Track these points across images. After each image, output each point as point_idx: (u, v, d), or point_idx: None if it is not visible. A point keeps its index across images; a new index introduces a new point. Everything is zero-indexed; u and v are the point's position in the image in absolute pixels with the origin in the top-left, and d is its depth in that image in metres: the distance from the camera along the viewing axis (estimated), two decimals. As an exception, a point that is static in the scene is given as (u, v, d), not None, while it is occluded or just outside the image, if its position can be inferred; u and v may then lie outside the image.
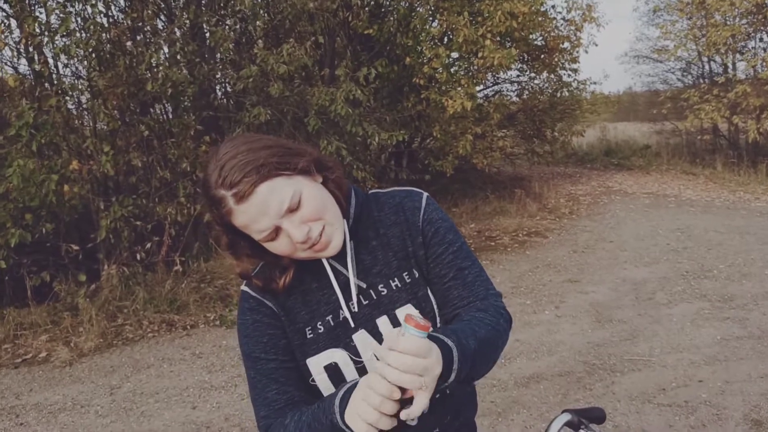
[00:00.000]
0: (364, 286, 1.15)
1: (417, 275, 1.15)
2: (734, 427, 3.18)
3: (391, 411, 0.87)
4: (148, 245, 5.72)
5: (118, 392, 3.96)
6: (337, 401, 0.98)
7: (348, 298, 1.14)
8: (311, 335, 1.14)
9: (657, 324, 4.72)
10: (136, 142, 5.93)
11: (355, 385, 0.96)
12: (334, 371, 1.13)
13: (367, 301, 1.14)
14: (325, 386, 1.13)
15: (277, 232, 1.04)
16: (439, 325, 1.15)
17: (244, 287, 1.19)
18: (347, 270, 1.14)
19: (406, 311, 1.12)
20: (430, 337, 0.90)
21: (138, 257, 5.63)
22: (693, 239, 7.41)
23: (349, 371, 1.13)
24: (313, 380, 1.13)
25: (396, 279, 1.15)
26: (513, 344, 4.36)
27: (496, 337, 1.06)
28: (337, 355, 1.13)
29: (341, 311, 1.14)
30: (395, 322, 1.12)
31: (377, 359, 0.90)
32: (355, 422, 0.91)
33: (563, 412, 1.28)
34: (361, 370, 1.13)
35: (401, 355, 0.85)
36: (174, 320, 5.13)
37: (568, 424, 1.26)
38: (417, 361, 0.85)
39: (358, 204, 1.18)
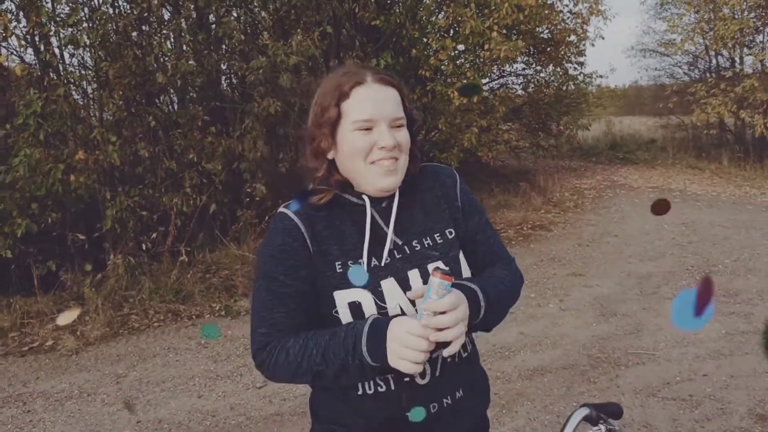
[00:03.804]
0: (400, 242, 1.24)
1: (450, 237, 1.27)
2: (739, 421, 3.18)
3: (429, 349, 1.06)
4: (154, 235, 5.73)
5: (124, 381, 3.99)
6: (365, 349, 1.10)
7: (380, 251, 1.21)
8: (341, 270, 1.19)
9: (662, 318, 4.71)
10: (142, 133, 5.93)
11: (377, 328, 1.10)
12: (356, 309, 1.18)
13: (400, 255, 1.22)
14: (346, 321, 1.18)
15: (372, 127, 1.18)
16: None
17: (282, 209, 1.25)
18: (387, 225, 1.24)
19: (435, 266, 1.21)
20: (454, 285, 1.10)
21: (144, 247, 5.64)
22: (698, 234, 7.39)
23: (371, 313, 1.17)
24: (336, 312, 1.18)
25: (428, 238, 1.26)
26: (517, 337, 4.37)
27: (512, 293, 1.31)
28: (362, 296, 1.18)
29: (373, 258, 1.21)
30: (425, 276, 1.21)
31: (414, 310, 1.13)
32: (401, 364, 1.06)
33: (582, 406, 1.28)
34: (383, 316, 1.17)
35: (451, 313, 1.05)
36: (179, 310, 5.16)
37: (586, 418, 1.26)
38: (458, 312, 1.07)
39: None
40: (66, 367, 4.24)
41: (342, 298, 1.18)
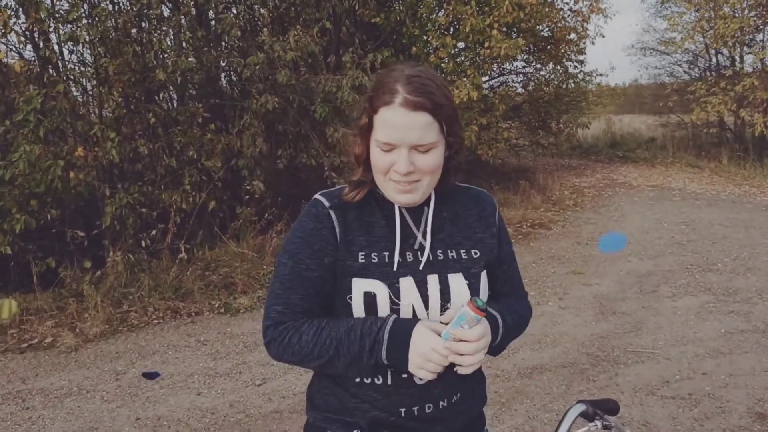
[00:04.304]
0: (425, 246, 1.25)
1: (476, 256, 1.29)
2: (738, 419, 3.18)
3: (446, 363, 1.14)
4: (153, 232, 5.72)
5: (124, 378, 3.99)
6: (384, 353, 1.15)
7: (405, 250, 1.24)
8: (363, 260, 1.22)
9: (661, 316, 4.72)
10: (142, 130, 5.92)
11: (399, 334, 1.15)
12: (370, 300, 1.20)
13: (423, 259, 1.24)
14: (358, 310, 1.21)
15: (393, 149, 1.17)
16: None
17: (319, 195, 1.28)
18: (416, 227, 1.26)
19: (456, 279, 1.25)
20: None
21: (143, 244, 5.63)
22: (698, 232, 7.39)
23: (384, 307, 1.20)
24: (350, 298, 1.21)
25: (454, 251, 1.28)
26: (517, 335, 4.37)
27: (522, 323, 1.38)
28: (378, 288, 1.20)
29: (396, 255, 1.23)
30: (443, 283, 1.23)
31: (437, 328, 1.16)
32: (420, 372, 1.14)
33: (578, 402, 1.28)
34: (395, 312, 1.20)
35: (476, 343, 1.12)
36: (179, 307, 5.15)
37: (582, 414, 1.26)
38: (481, 343, 1.14)
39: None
40: (65, 364, 4.23)
41: (359, 286, 1.20)
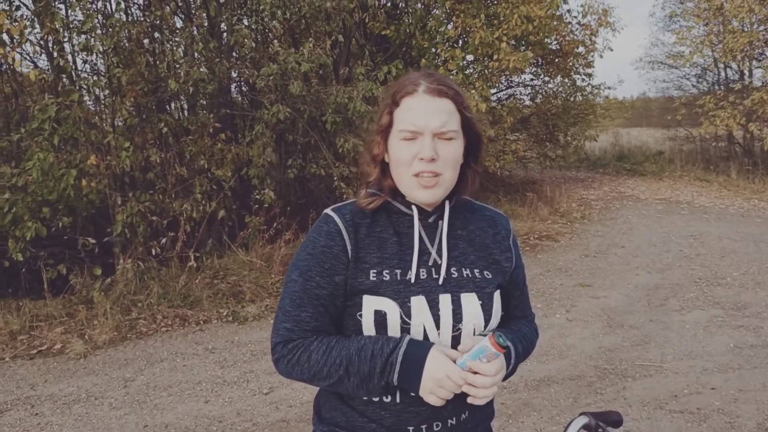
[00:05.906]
0: (440, 263, 1.24)
1: (490, 277, 1.28)
2: (747, 435, 3.17)
3: (458, 392, 1.15)
4: (163, 240, 5.76)
5: (132, 385, 4.01)
6: (396, 375, 1.15)
7: (421, 264, 1.23)
8: (374, 278, 1.21)
9: (669, 330, 4.70)
10: (153, 139, 5.97)
11: (413, 358, 1.14)
12: (380, 318, 1.19)
13: (436, 276, 1.23)
14: (368, 327, 1.20)
15: (416, 137, 1.19)
16: (492, 322, 1.28)
17: (330, 211, 1.27)
18: (431, 242, 1.25)
19: (469, 299, 1.23)
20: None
21: (153, 252, 5.67)
22: (706, 246, 7.37)
23: (394, 326, 1.18)
24: (360, 315, 1.19)
25: (468, 270, 1.26)
26: (524, 347, 4.36)
27: (531, 348, 1.39)
28: (389, 307, 1.19)
29: (410, 271, 1.21)
30: (456, 304, 1.22)
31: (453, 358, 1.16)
32: (430, 397, 1.15)
33: (580, 414, 1.28)
34: (405, 332, 1.19)
35: (492, 378, 1.13)
36: (187, 315, 5.18)
37: (585, 427, 1.26)
38: (496, 378, 1.15)
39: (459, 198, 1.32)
40: (74, 371, 4.26)
41: (369, 303, 1.19)
